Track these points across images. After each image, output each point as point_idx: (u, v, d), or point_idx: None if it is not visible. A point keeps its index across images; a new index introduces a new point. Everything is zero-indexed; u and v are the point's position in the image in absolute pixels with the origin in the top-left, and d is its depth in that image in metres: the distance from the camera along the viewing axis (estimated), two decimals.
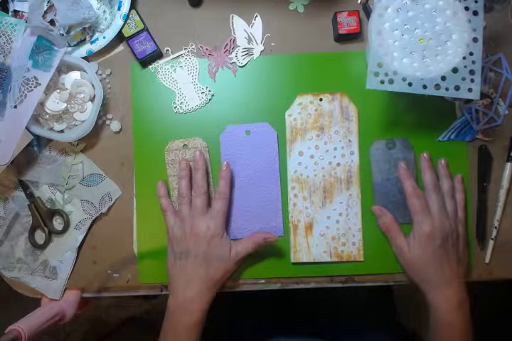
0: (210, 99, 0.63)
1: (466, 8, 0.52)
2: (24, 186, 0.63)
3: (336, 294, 0.79)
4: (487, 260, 0.61)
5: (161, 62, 0.63)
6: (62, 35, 0.59)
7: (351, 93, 0.62)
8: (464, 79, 0.52)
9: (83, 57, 0.61)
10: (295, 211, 0.62)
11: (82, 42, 0.62)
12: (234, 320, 0.81)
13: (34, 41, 0.58)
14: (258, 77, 0.63)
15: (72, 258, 0.63)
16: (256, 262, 0.62)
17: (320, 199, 0.61)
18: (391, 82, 0.53)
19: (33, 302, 0.63)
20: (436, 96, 0.55)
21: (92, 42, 0.62)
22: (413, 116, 0.62)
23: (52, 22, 0.59)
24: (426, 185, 0.58)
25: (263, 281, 0.63)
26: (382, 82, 0.53)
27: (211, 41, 0.64)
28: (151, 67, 0.64)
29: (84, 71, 0.60)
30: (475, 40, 0.52)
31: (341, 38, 0.62)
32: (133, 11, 0.61)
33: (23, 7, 0.61)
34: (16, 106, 0.58)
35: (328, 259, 0.61)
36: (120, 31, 0.61)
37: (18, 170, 0.63)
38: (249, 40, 0.63)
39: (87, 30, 0.61)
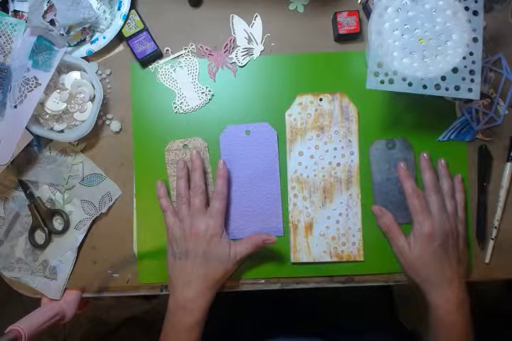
0: (210, 99, 0.63)
1: (466, 8, 0.52)
2: (24, 186, 0.63)
3: (335, 294, 0.79)
4: (487, 260, 0.61)
5: (161, 62, 0.63)
6: (62, 35, 0.59)
7: (351, 93, 0.62)
8: (463, 79, 0.52)
9: (83, 57, 0.61)
10: (295, 211, 0.62)
11: (82, 42, 0.62)
12: (234, 320, 0.81)
13: (34, 41, 0.58)
14: (258, 77, 0.63)
15: (72, 258, 0.63)
16: (256, 262, 0.62)
17: (320, 199, 0.61)
18: (391, 82, 0.53)
19: (33, 302, 0.63)
20: (436, 96, 0.55)
21: (92, 42, 0.62)
22: (413, 116, 0.62)
23: (52, 22, 0.59)
24: (426, 185, 0.58)
25: (263, 281, 0.63)
26: (382, 82, 0.53)
27: (211, 41, 0.64)
28: (151, 67, 0.64)
29: (84, 71, 0.60)
30: (475, 40, 0.52)
31: (341, 38, 0.62)
32: (133, 11, 0.61)
33: (23, 7, 0.61)
34: (16, 106, 0.58)
35: (328, 259, 0.61)
36: (120, 31, 0.61)
37: (18, 170, 0.63)
38: (249, 40, 0.63)
39: (87, 30, 0.61)
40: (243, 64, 0.63)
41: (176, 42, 0.64)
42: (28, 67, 0.58)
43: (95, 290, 0.64)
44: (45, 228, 0.63)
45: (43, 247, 0.63)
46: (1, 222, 0.64)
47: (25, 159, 0.63)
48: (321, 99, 0.62)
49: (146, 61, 0.63)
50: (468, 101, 0.61)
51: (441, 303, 0.54)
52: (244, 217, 0.62)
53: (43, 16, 0.59)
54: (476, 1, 0.53)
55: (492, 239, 0.61)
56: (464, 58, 0.52)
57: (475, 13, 0.52)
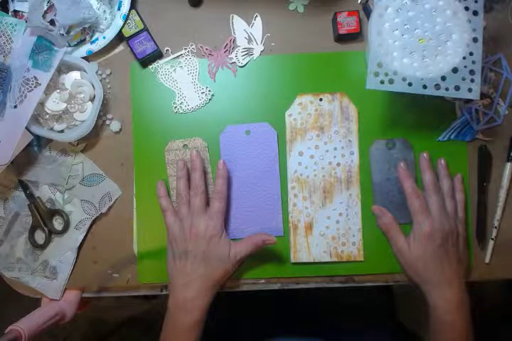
0: (210, 99, 0.63)
1: (466, 8, 0.52)
2: (24, 186, 0.63)
3: (335, 294, 0.79)
4: (487, 260, 0.61)
5: (161, 62, 0.63)
6: (62, 35, 0.59)
7: (351, 93, 0.62)
8: (463, 79, 0.52)
9: (83, 57, 0.61)
10: (295, 211, 0.62)
11: (82, 42, 0.62)
12: (234, 320, 0.81)
13: (34, 41, 0.59)
14: (258, 77, 0.63)
15: (72, 258, 0.63)
16: (256, 262, 0.62)
17: (320, 199, 0.61)
18: (391, 82, 0.53)
19: (33, 302, 0.63)
20: (436, 96, 0.55)
21: (92, 42, 0.62)
22: (413, 116, 0.62)
23: (52, 22, 0.59)
24: (426, 185, 0.58)
25: (263, 281, 0.63)
26: (382, 82, 0.53)
27: (211, 41, 0.64)
28: (151, 67, 0.64)
29: (85, 71, 0.60)
30: (475, 40, 0.52)
31: (341, 38, 0.62)
32: (133, 11, 0.61)
33: (23, 7, 0.61)
34: (16, 106, 0.58)
35: (328, 259, 0.61)
36: (120, 31, 0.61)
37: (18, 170, 0.63)
38: (249, 40, 0.63)
39: (87, 30, 0.61)
40: (243, 64, 0.63)
41: (176, 42, 0.64)
42: (28, 67, 0.58)
43: (95, 290, 0.64)
44: (45, 228, 0.63)
45: (43, 247, 0.63)
46: (1, 222, 0.64)
47: (25, 159, 0.63)
48: (321, 99, 0.62)
49: (146, 61, 0.63)
50: (468, 101, 0.61)
51: (441, 303, 0.54)
52: (244, 217, 0.62)
53: (43, 16, 0.59)
54: (476, 1, 0.53)
55: (492, 239, 0.61)
56: (464, 58, 0.52)
57: (475, 13, 0.52)
